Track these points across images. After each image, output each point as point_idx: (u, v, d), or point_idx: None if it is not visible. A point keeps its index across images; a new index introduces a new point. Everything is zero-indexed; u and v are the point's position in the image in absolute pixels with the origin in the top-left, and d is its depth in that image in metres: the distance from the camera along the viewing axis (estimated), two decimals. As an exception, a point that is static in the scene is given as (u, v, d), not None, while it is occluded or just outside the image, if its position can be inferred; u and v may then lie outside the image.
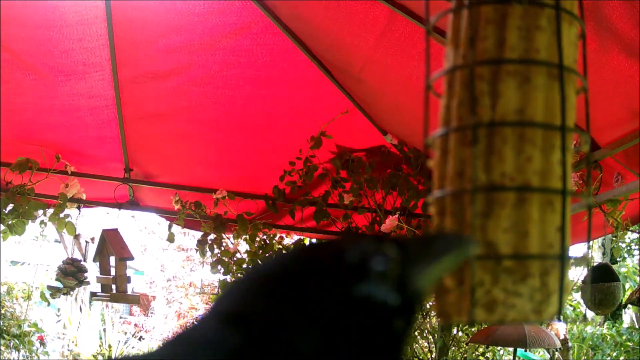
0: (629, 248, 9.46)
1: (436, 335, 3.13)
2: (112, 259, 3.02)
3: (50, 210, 3.01)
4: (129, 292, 3.06)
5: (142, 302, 9.05)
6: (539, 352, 6.19)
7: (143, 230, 10.07)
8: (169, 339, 0.50)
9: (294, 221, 3.11)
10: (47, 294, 3.15)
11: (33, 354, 7.60)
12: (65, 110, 2.79)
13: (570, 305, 8.36)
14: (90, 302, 8.08)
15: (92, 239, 5.17)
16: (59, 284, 3.04)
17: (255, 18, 2.42)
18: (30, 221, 2.97)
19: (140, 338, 9.20)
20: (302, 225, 3.13)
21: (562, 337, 4.78)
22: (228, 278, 3.08)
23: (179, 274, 9.66)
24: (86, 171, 3.11)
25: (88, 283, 3.15)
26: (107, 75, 2.63)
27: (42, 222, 3.05)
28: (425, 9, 0.54)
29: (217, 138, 3.07)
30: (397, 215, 2.77)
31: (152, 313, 9.94)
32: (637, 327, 7.82)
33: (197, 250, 3.17)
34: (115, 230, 3.07)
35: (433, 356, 3.16)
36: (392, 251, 0.48)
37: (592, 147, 2.18)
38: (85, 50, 2.50)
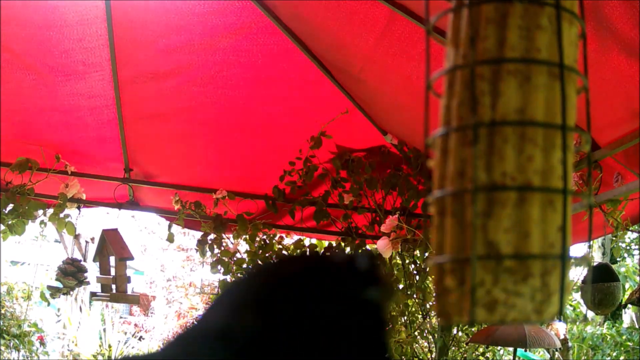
0: (628, 248, 9.46)
1: (436, 335, 3.13)
2: (112, 259, 3.02)
3: (50, 210, 3.01)
4: (129, 292, 3.06)
5: (142, 302, 9.05)
6: (539, 352, 6.19)
7: (143, 230, 10.08)
8: (168, 341, 0.50)
9: (294, 221, 3.11)
10: (47, 294, 3.15)
11: (33, 354, 7.60)
12: (65, 110, 2.79)
13: (570, 305, 8.36)
14: (90, 302, 8.09)
15: (92, 239, 5.17)
16: (59, 284, 3.04)
17: (255, 18, 2.41)
18: (30, 221, 2.97)
19: (140, 338, 9.21)
20: (302, 225, 3.13)
21: (562, 337, 4.78)
22: (228, 278, 3.08)
23: (179, 274, 9.66)
24: (86, 171, 3.11)
25: (88, 283, 3.15)
26: (107, 75, 2.63)
27: (42, 222, 3.05)
28: (425, 9, 0.54)
29: (217, 138, 3.07)
30: (397, 215, 2.77)
31: (152, 313, 9.94)
32: (637, 327, 7.82)
33: (197, 250, 3.17)
34: (115, 230, 3.06)
35: (433, 356, 3.16)
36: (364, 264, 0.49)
37: (592, 147, 2.18)
38: (85, 50, 2.50)
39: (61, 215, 3.02)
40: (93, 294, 3.09)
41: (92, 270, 3.51)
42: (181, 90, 2.74)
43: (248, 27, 2.46)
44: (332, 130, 2.89)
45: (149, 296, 10.01)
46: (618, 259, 8.45)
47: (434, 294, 0.51)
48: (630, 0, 1.52)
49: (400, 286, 3.09)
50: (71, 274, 3.02)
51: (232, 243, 3.13)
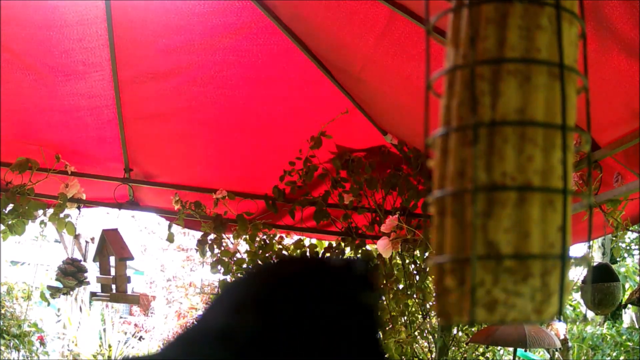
0: (628, 248, 9.46)
1: (436, 335, 3.13)
2: (112, 259, 3.02)
3: (50, 210, 3.01)
4: (129, 292, 3.06)
5: (142, 302, 9.05)
6: (539, 352, 6.19)
7: (143, 230, 10.08)
8: (168, 341, 0.50)
9: (294, 221, 3.11)
10: (47, 294, 3.15)
11: (33, 354, 7.60)
12: (65, 110, 2.79)
13: (570, 305, 8.36)
14: (90, 302, 8.09)
15: (92, 239, 5.17)
16: (59, 284, 3.04)
17: (255, 18, 2.42)
18: (30, 221, 2.97)
19: (140, 338, 9.21)
20: (302, 225, 3.13)
21: (562, 337, 4.78)
22: (228, 278, 3.08)
23: (179, 274, 9.66)
24: (86, 171, 3.11)
25: (88, 283, 3.15)
26: (107, 75, 2.63)
27: (42, 222, 3.05)
28: (425, 9, 0.54)
29: (217, 138, 3.07)
30: (397, 215, 2.77)
31: (152, 313, 9.94)
32: (637, 327, 7.82)
33: (197, 250, 3.17)
34: (115, 230, 3.06)
35: (433, 356, 3.16)
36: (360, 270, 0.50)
37: (592, 147, 2.18)
38: (85, 50, 2.50)
39: (61, 215, 3.02)
40: (93, 294, 3.09)
41: (92, 270, 3.51)
42: (181, 90, 2.74)
43: (248, 27, 2.46)
44: (332, 130, 2.89)
45: (149, 296, 10.01)
46: (618, 259, 8.45)
47: (434, 294, 0.51)
48: (630, 0, 1.52)
49: (400, 286, 3.09)
50: (71, 274, 3.02)
51: (232, 243, 3.13)
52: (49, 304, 4.02)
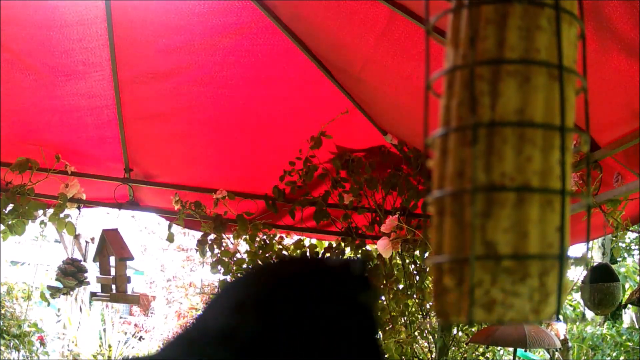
0: (628, 248, 9.46)
1: (436, 335, 3.13)
2: (112, 259, 3.02)
3: (50, 210, 3.01)
4: (129, 292, 3.06)
5: (142, 302, 9.05)
6: (539, 352, 6.19)
7: (143, 230, 10.08)
8: (168, 341, 0.50)
9: (294, 221, 3.11)
10: (47, 294, 3.15)
11: (33, 354, 7.60)
12: (65, 110, 2.79)
13: (570, 305, 8.36)
14: (90, 302, 8.09)
15: (92, 239, 5.17)
16: (59, 284, 3.04)
17: (255, 18, 2.42)
18: (30, 221, 2.97)
19: (140, 338, 9.21)
20: (302, 225, 3.13)
21: (562, 337, 4.78)
22: (228, 278, 3.08)
23: (179, 274, 9.66)
24: (86, 171, 3.11)
25: (88, 283, 3.15)
26: (107, 75, 2.63)
27: (42, 222, 3.05)
28: (425, 9, 0.54)
29: (217, 138, 3.07)
30: (397, 215, 2.77)
31: (152, 313, 9.94)
32: (637, 327, 7.82)
33: (197, 250, 3.17)
34: (115, 230, 3.06)
35: (433, 356, 3.16)
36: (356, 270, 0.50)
37: (592, 147, 2.18)
38: (85, 50, 2.50)
39: (61, 215, 3.02)
40: (93, 294, 3.09)
41: (92, 270, 3.51)
42: (181, 90, 2.74)
43: (248, 27, 2.46)
44: (332, 130, 2.89)
45: (149, 296, 10.01)
46: (618, 259, 8.45)
47: (433, 294, 0.51)
48: (630, 0, 1.52)
49: (400, 286, 3.09)
50: (71, 274, 3.02)
51: (232, 243, 3.13)
52: (49, 304, 4.02)
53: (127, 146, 3.01)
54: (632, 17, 1.55)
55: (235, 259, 3.08)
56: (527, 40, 0.49)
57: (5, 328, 7.40)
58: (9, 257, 9.73)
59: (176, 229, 3.36)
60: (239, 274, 2.92)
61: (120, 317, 9.57)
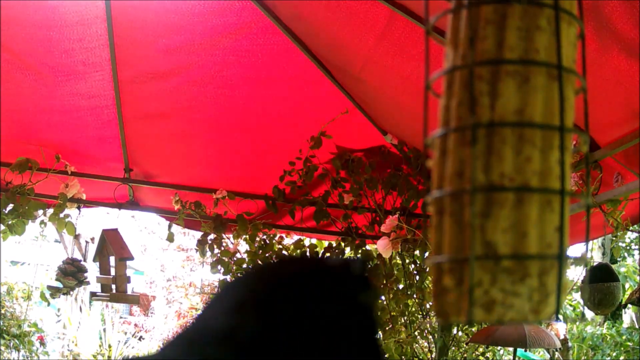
0: (628, 248, 9.46)
1: (436, 335, 3.13)
2: (112, 259, 3.02)
3: (50, 210, 3.01)
4: (129, 292, 3.06)
5: (142, 302, 9.05)
6: (539, 352, 6.19)
7: (143, 230, 10.08)
8: (168, 341, 0.50)
9: (294, 221, 3.11)
10: (47, 294, 3.15)
11: (33, 354, 7.60)
12: (65, 110, 2.79)
13: (570, 305, 8.36)
14: (90, 302, 8.09)
15: (92, 239, 5.17)
16: (59, 284, 3.04)
17: (255, 18, 2.42)
18: (30, 221, 2.97)
19: (140, 338, 9.21)
20: (302, 225, 3.13)
21: (562, 337, 4.78)
22: (228, 278, 3.08)
23: (179, 274, 9.67)
24: (86, 171, 3.11)
25: (88, 283, 3.15)
26: (107, 75, 2.63)
27: (42, 222, 3.05)
28: (425, 9, 0.55)
29: (217, 138, 3.07)
30: (397, 215, 2.77)
31: (152, 313, 9.94)
32: (637, 327, 7.82)
33: (197, 250, 3.17)
34: (115, 230, 3.07)
35: (433, 356, 3.16)
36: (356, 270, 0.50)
37: (592, 147, 2.18)
38: (85, 50, 2.50)
39: (61, 215, 3.02)
40: (93, 294, 3.10)
41: (92, 270, 3.51)
42: (181, 90, 2.74)
43: (248, 27, 2.46)
44: (332, 130, 2.89)
45: (149, 296, 10.01)
46: (618, 259, 8.45)
47: (432, 294, 0.51)
48: (630, 0, 1.52)
49: (400, 286, 3.09)
50: (71, 274, 3.02)
51: (232, 243, 3.13)
52: (49, 304, 4.02)
53: (127, 146, 3.02)
54: (632, 17, 1.55)
55: (235, 259, 3.08)
56: (526, 40, 0.49)
57: (5, 328, 7.40)
58: (9, 257, 9.73)
59: (176, 229, 3.36)
60: (239, 274, 2.92)
61: (120, 317, 9.57)
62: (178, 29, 2.45)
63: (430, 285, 3.05)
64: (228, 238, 3.15)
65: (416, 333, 3.12)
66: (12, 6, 2.28)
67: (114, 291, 2.98)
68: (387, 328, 2.99)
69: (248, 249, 3.11)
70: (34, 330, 7.74)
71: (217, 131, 3.03)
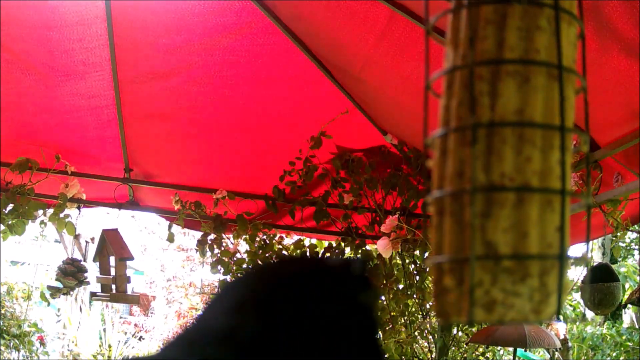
0: (629, 248, 9.46)
1: (436, 335, 3.13)
2: (112, 259, 3.02)
3: (50, 210, 3.01)
4: (129, 292, 3.06)
5: (142, 302, 9.05)
6: (539, 352, 6.19)
7: (143, 230, 10.08)
8: (168, 341, 0.50)
9: (294, 221, 3.11)
10: (47, 294, 3.15)
11: (33, 354, 7.60)
12: (65, 110, 2.79)
13: (570, 305, 8.36)
14: (90, 302, 8.09)
15: (92, 239, 5.17)
16: (59, 284, 3.04)
17: (255, 18, 2.42)
18: (30, 221, 2.97)
19: (140, 338, 9.21)
20: (302, 225, 3.13)
21: (562, 337, 4.78)
22: (228, 278, 3.08)
23: (179, 274, 9.66)
24: (86, 171, 3.11)
25: (88, 283, 3.15)
26: (107, 75, 2.63)
27: (42, 222, 3.05)
28: (425, 9, 0.54)
29: (217, 138, 3.07)
30: (397, 215, 2.77)
31: (152, 313, 9.94)
32: (637, 327, 7.82)
33: (197, 250, 3.17)
34: (115, 230, 3.07)
35: (433, 356, 3.16)
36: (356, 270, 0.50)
37: (592, 147, 2.18)
38: (85, 50, 2.50)
39: (61, 215, 3.02)
40: (93, 294, 3.10)
41: (92, 270, 3.51)
42: (181, 90, 2.74)
43: (248, 27, 2.46)
44: (332, 130, 2.89)
45: (149, 296, 10.01)
46: (618, 259, 8.45)
47: (433, 294, 0.51)
48: (630, 0, 1.52)
49: (400, 286, 3.09)
50: (71, 274, 3.02)
51: (232, 243, 3.13)
52: (49, 304, 4.02)
53: (127, 146, 3.02)
54: (632, 17, 1.55)
55: (235, 259, 3.08)
56: (526, 40, 0.49)
57: (5, 328, 7.40)
58: (9, 257, 9.73)
59: (176, 229, 3.36)
60: (239, 274, 2.92)
61: (120, 317, 9.57)
62: (178, 29, 2.45)
63: (430, 285, 3.05)
64: (228, 238, 3.15)
65: (416, 333, 3.12)
66: (12, 6, 2.28)
67: (114, 291, 2.98)
68: (387, 328, 2.99)
69: (248, 249, 3.11)
70: (34, 330, 7.74)
71: (217, 131, 3.03)
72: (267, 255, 3.06)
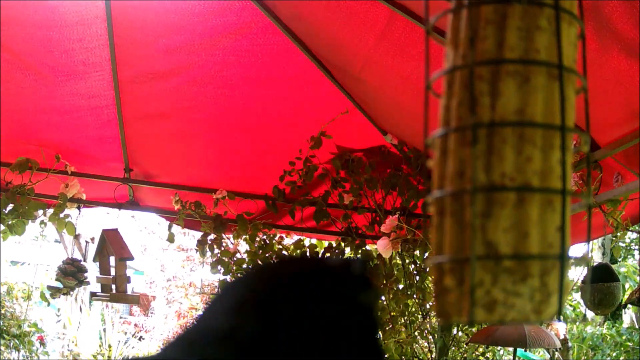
0: (629, 248, 9.46)
1: (436, 335, 3.13)
2: (112, 259, 3.02)
3: (50, 210, 3.01)
4: (129, 292, 3.06)
5: (142, 302, 9.05)
6: (539, 352, 6.19)
7: (143, 230, 10.07)
8: (168, 342, 0.50)
9: (294, 221, 3.11)
10: (47, 294, 3.15)
11: (33, 354, 7.60)
12: (65, 110, 2.79)
13: (570, 305, 8.36)
14: (90, 302, 8.09)
15: (92, 239, 5.17)
16: (59, 284, 3.04)
17: (255, 18, 2.42)
18: (30, 221, 2.97)
19: (140, 338, 9.21)
20: (302, 225, 3.13)
21: (562, 337, 4.78)
22: (228, 278, 3.08)
23: (179, 274, 9.66)
24: (86, 171, 3.11)
25: (88, 283, 3.15)
26: (107, 75, 2.63)
27: (42, 222, 3.05)
28: (425, 9, 0.54)
29: (217, 138, 3.07)
30: (397, 215, 2.77)
31: (152, 313, 9.94)
32: (637, 327, 7.82)
33: (197, 250, 3.17)
34: (115, 230, 3.06)
35: (433, 356, 3.16)
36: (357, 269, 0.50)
37: (592, 147, 2.18)
38: (85, 50, 2.50)
39: (61, 215, 3.02)
40: (93, 294, 3.09)
41: (92, 270, 3.51)
42: (181, 90, 2.74)
43: (248, 27, 2.46)
44: (332, 130, 2.89)
45: (149, 296, 10.01)
46: (618, 259, 8.45)
47: (433, 294, 0.51)
48: (630, 0, 1.52)
49: (400, 286, 3.09)
50: (71, 274, 3.02)
51: (232, 243, 3.13)
52: (49, 304, 4.02)
53: (127, 146, 3.02)
54: (632, 17, 1.55)
55: (235, 259, 3.08)
56: (526, 40, 0.49)
57: (5, 328, 7.40)
58: (9, 257, 9.73)
59: (176, 229, 3.36)
60: (239, 274, 2.92)
61: (120, 317, 9.57)
62: (178, 29, 2.45)
63: (430, 286, 3.05)
64: (228, 238, 3.14)
65: (416, 333, 3.12)
66: (12, 6, 2.28)
67: (114, 291, 2.98)
68: (387, 328, 2.99)
69: (248, 249, 3.11)
70: (34, 330, 7.74)
71: (217, 131, 3.03)
72: (267, 255, 3.06)
